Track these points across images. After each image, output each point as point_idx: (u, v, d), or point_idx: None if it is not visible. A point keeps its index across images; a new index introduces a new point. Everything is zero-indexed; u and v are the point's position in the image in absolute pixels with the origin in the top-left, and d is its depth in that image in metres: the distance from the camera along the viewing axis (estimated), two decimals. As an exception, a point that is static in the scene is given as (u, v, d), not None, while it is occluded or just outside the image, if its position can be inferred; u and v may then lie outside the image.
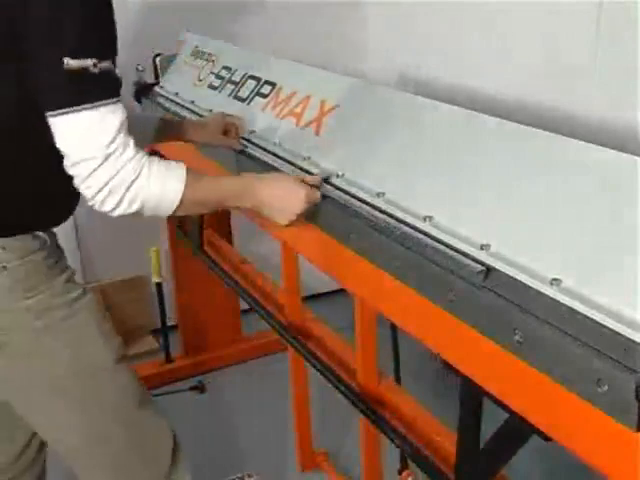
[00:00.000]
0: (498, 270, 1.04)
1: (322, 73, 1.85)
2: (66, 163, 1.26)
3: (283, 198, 1.42)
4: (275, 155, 1.69)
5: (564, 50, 2.19)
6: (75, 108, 1.21)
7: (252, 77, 2.05)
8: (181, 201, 1.34)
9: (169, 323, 2.89)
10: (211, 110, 2.08)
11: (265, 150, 1.74)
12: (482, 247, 1.09)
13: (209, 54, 2.37)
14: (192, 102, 2.23)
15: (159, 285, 2.79)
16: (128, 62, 2.57)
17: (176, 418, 2.65)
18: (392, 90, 1.76)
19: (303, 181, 1.44)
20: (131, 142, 1.27)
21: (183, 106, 2.26)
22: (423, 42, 2.83)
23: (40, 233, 1.41)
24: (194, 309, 2.87)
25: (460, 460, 1.33)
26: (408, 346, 2.12)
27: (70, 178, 1.27)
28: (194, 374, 2.88)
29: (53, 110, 1.22)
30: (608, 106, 2.02)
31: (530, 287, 0.98)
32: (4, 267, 1.36)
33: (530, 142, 1.19)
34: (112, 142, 1.23)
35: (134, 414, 1.53)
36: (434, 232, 1.18)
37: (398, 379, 2.09)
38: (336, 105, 1.65)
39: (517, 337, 0.96)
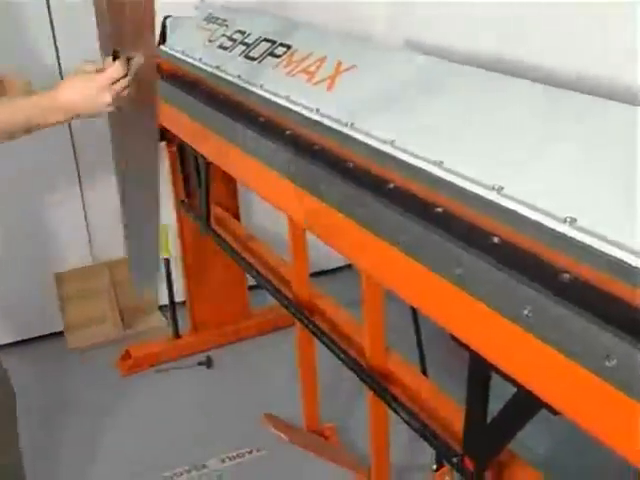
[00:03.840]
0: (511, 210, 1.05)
1: (342, 37, 1.85)
2: None
3: (86, 98, 1.38)
4: (282, 107, 1.70)
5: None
6: None
7: (267, 40, 2.04)
8: None
9: (177, 299, 2.90)
10: (218, 66, 2.08)
11: (271, 102, 1.75)
12: (493, 188, 1.10)
13: (223, 19, 2.35)
14: (199, 59, 2.22)
15: (167, 261, 2.79)
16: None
17: (184, 393, 2.70)
18: (409, 52, 1.77)
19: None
20: None
21: (187, 62, 2.25)
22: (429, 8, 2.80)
23: None
24: (202, 285, 2.87)
25: (467, 434, 1.33)
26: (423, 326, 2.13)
27: None
28: (202, 350, 2.90)
29: None
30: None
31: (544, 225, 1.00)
32: None
33: (533, 94, 1.24)
34: None
35: None
36: (445, 175, 1.19)
37: (424, 370, 2.09)
38: (352, 65, 1.65)
39: (526, 311, 0.95)
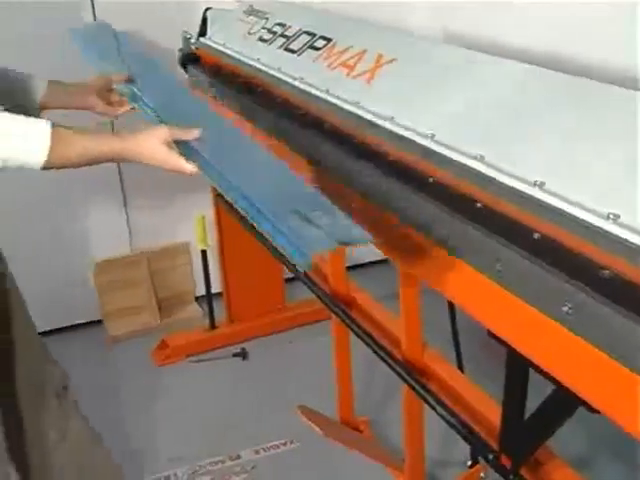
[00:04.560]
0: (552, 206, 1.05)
1: (382, 30, 1.85)
2: None
3: (154, 166, 1.37)
4: (322, 100, 1.71)
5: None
6: None
7: (307, 32, 2.04)
8: (48, 161, 1.28)
9: (214, 290, 2.92)
10: (258, 59, 2.09)
11: (311, 95, 1.76)
12: (535, 184, 1.09)
13: (263, 12, 2.37)
14: (239, 52, 2.24)
15: (204, 252, 2.82)
16: (175, 27, 2.61)
17: (218, 384, 2.72)
18: (449, 45, 1.77)
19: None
20: None
21: (226, 54, 2.27)
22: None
23: None
24: (239, 277, 2.90)
25: (504, 431, 1.33)
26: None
27: None
28: (237, 341, 2.92)
29: None
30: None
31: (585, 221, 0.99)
32: None
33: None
34: None
35: None
36: (486, 170, 1.19)
37: (460, 365, 2.08)
38: (393, 59, 1.65)
39: (566, 308, 0.95)
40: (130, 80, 1.74)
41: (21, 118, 1.29)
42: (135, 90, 1.68)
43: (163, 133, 1.35)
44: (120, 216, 3.01)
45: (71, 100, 1.72)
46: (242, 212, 1.11)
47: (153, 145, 1.34)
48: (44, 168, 1.31)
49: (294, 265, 1.01)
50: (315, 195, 1.18)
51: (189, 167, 1.33)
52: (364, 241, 1.04)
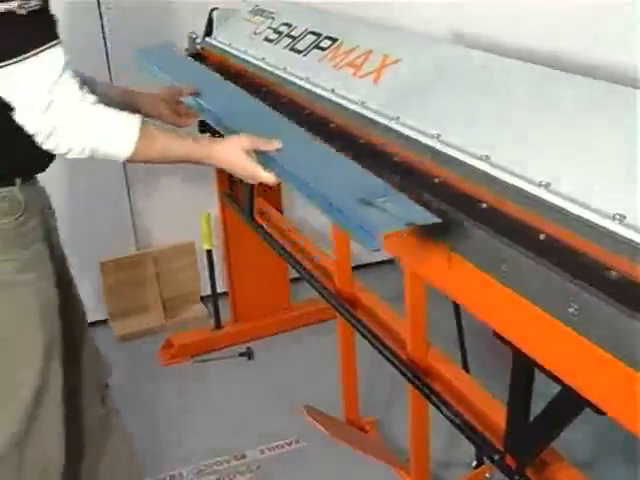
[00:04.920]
0: (558, 206, 1.05)
1: (388, 30, 1.85)
2: (15, 113, 1.27)
3: (234, 173, 1.43)
4: (328, 100, 1.72)
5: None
6: (11, 61, 1.21)
7: (313, 33, 2.05)
8: (133, 156, 1.35)
9: (219, 290, 2.93)
10: (264, 59, 2.09)
11: (316, 95, 1.77)
12: (540, 184, 1.09)
13: (269, 12, 2.37)
14: (245, 52, 2.24)
15: (210, 252, 2.83)
16: (182, 29, 2.62)
17: (224, 383, 2.72)
18: (456, 45, 1.77)
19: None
20: (76, 85, 1.28)
21: (234, 55, 2.28)
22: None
23: (17, 194, 1.41)
24: (244, 276, 2.90)
25: (509, 432, 1.33)
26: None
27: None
28: (243, 341, 2.93)
29: None
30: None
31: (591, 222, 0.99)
32: None
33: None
34: (54, 87, 1.24)
35: (42, 408, 1.51)
36: (491, 170, 1.20)
37: (466, 366, 2.08)
38: (398, 59, 1.65)
39: (572, 309, 0.94)
40: (197, 93, 1.80)
41: (114, 111, 1.34)
42: (201, 102, 1.75)
43: (244, 141, 1.40)
44: (126, 216, 3.02)
45: (142, 108, 1.76)
46: (316, 206, 1.20)
47: (234, 152, 1.39)
48: (128, 161, 1.36)
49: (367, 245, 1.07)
50: (379, 183, 1.23)
51: (267, 175, 1.37)
52: (429, 222, 1.08)
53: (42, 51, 1.23)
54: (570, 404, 1.12)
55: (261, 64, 2.11)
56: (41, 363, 1.49)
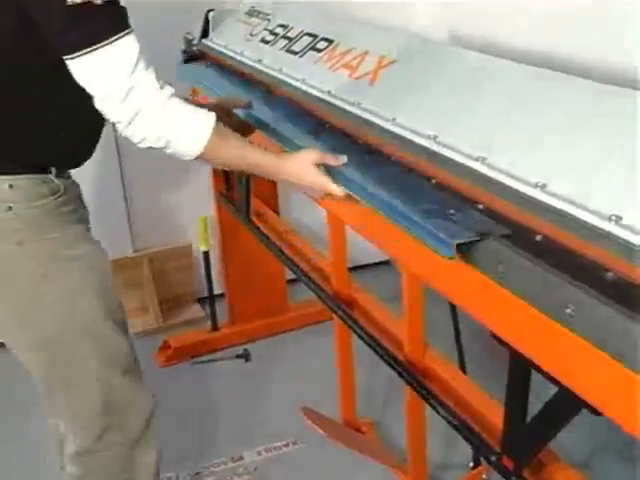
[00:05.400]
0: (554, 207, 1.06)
1: (384, 31, 1.85)
2: (95, 102, 1.29)
3: (302, 188, 1.44)
4: (324, 101, 1.72)
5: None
6: (90, 49, 1.23)
7: (309, 34, 2.05)
8: (203, 152, 1.36)
9: (216, 292, 2.93)
10: (260, 60, 2.10)
11: (312, 96, 1.77)
12: (537, 185, 1.10)
13: (265, 13, 2.37)
14: (241, 53, 2.24)
15: (206, 254, 2.82)
16: (177, 29, 2.61)
17: (221, 385, 2.72)
18: (453, 47, 1.77)
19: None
20: (153, 74, 1.30)
21: (230, 57, 2.28)
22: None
23: (53, 179, 1.43)
24: (241, 278, 2.90)
25: (507, 433, 1.33)
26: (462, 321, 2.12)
27: (74, 123, 1.33)
28: (240, 342, 2.93)
29: (68, 54, 1.24)
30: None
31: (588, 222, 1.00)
32: (10, 207, 1.38)
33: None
34: (132, 74, 1.26)
35: (114, 379, 1.54)
36: (487, 171, 1.20)
37: (463, 367, 2.09)
38: (395, 60, 1.65)
39: (569, 310, 0.94)
40: (249, 106, 1.81)
41: (190, 106, 1.36)
42: (254, 114, 1.77)
43: (314, 155, 1.41)
44: (122, 217, 3.02)
45: None
46: (386, 217, 1.25)
47: (305, 166, 1.41)
48: (197, 158, 1.37)
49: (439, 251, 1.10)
50: (447, 197, 1.25)
51: (337, 189, 1.38)
52: (498, 234, 1.09)
53: (118, 39, 1.25)
54: (567, 405, 1.12)
55: (257, 65, 2.11)
56: (103, 332, 1.50)
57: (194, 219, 2.80)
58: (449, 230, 1.10)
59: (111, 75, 1.26)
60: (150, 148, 1.34)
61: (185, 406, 2.60)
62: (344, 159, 1.42)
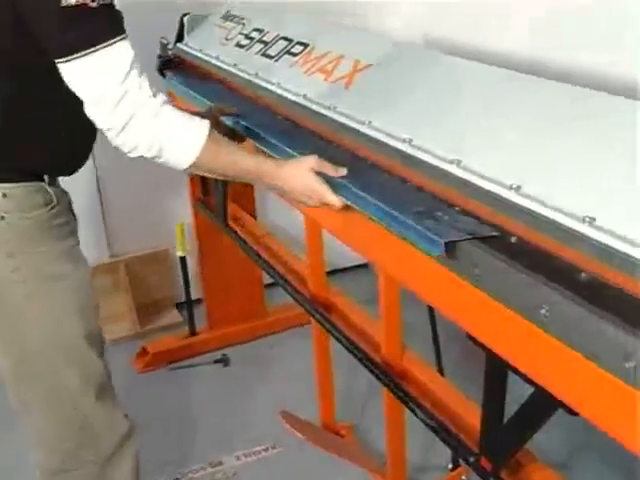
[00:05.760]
0: (529, 209, 1.06)
1: (360, 35, 1.86)
2: (85, 107, 1.27)
3: (300, 195, 1.38)
4: (299, 105, 1.71)
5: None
6: (83, 53, 1.21)
7: (284, 38, 2.04)
8: (197, 161, 1.33)
9: (194, 297, 2.91)
10: (235, 64, 2.09)
11: (288, 100, 1.77)
12: (511, 187, 1.10)
13: (241, 17, 2.36)
14: (216, 57, 2.23)
15: (183, 259, 2.81)
16: (152, 34, 2.60)
17: (200, 391, 2.71)
18: (428, 50, 1.78)
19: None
20: (146, 82, 1.27)
21: (205, 61, 2.27)
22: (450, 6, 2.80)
23: (47, 188, 1.41)
24: (218, 283, 2.88)
25: (484, 434, 1.33)
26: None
27: (74, 123, 1.29)
28: (218, 347, 2.91)
29: (61, 57, 1.22)
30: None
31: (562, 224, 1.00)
32: (2, 217, 1.36)
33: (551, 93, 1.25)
34: (125, 80, 1.23)
35: (90, 400, 1.52)
36: (462, 173, 1.20)
37: (440, 369, 2.09)
38: (370, 64, 1.66)
39: (543, 310, 0.95)
40: (237, 114, 1.77)
41: (184, 113, 1.33)
42: (242, 122, 1.74)
43: (313, 163, 1.37)
44: (98, 222, 2.99)
45: None
46: (377, 221, 1.23)
47: (303, 174, 1.36)
48: (190, 167, 1.33)
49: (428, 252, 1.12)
50: (434, 200, 1.25)
51: (336, 199, 1.33)
52: (486, 234, 1.09)
53: (112, 44, 1.22)
54: (543, 405, 1.13)
55: (233, 70, 2.10)
56: (82, 353, 1.48)
57: (171, 224, 2.78)
58: (440, 230, 1.10)
59: (104, 80, 1.23)
60: (141, 157, 1.31)
61: (164, 412, 2.58)
62: (344, 171, 1.37)
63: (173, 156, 1.32)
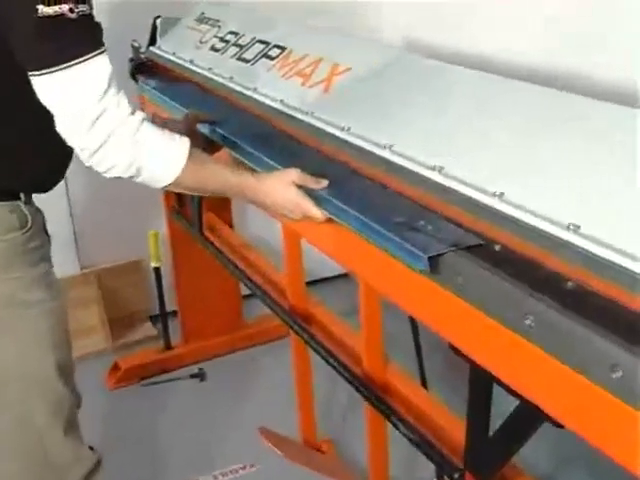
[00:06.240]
0: (512, 217, 1.06)
1: (339, 38, 1.86)
2: (57, 124, 1.23)
3: (282, 208, 1.38)
4: (277, 110, 1.71)
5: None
6: (60, 67, 1.17)
7: (261, 41, 2.04)
8: (177, 179, 1.31)
9: (168, 309, 2.89)
10: (210, 68, 2.08)
11: (265, 106, 1.76)
12: (494, 195, 1.11)
13: (215, 20, 2.36)
14: (190, 61, 2.22)
15: (157, 270, 2.79)
16: (123, 37, 2.59)
17: (175, 407, 2.68)
18: (408, 53, 1.79)
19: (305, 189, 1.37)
20: (124, 99, 1.25)
21: (179, 65, 2.27)
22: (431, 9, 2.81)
23: (22, 207, 1.39)
24: (194, 294, 2.87)
25: (469, 449, 1.33)
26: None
27: (53, 137, 1.24)
28: (194, 361, 2.89)
29: (36, 70, 1.18)
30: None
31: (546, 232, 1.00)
32: None
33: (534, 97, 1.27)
34: (103, 97, 1.20)
35: (56, 434, 1.49)
36: (444, 180, 1.20)
37: (423, 381, 2.09)
38: (349, 68, 1.66)
39: (528, 321, 0.95)
40: (213, 121, 1.76)
41: (164, 131, 1.31)
42: (220, 130, 1.72)
43: (295, 176, 1.36)
44: (67, 233, 2.96)
45: None
46: (358, 233, 1.24)
47: (283, 187, 1.35)
48: (170, 185, 1.32)
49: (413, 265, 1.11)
50: (417, 208, 1.24)
51: (318, 213, 1.33)
52: (471, 244, 1.09)
53: (91, 58, 1.19)
54: (529, 418, 1.13)
55: (207, 74, 2.10)
56: (52, 384, 1.46)
57: (144, 234, 2.76)
58: (423, 243, 1.10)
59: (81, 97, 1.20)
60: (118, 178, 1.28)
61: (137, 430, 2.55)
62: (325, 183, 1.37)
63: (152, 176, 1.30)
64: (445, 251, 1.08)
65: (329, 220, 1.34)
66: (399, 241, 1.12)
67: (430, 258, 1.07)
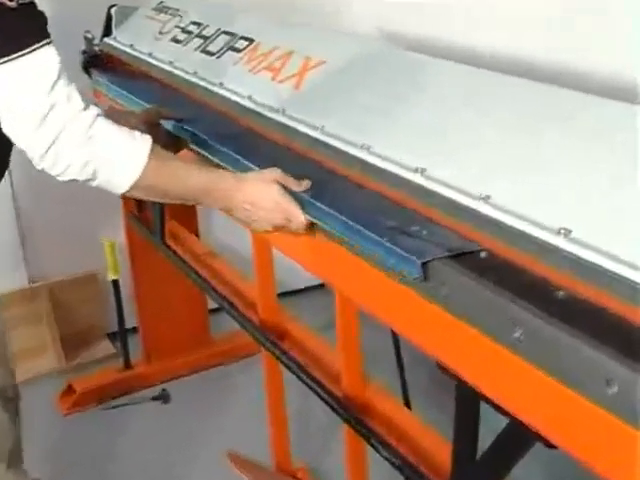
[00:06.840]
0: (498, 221, 1.07)
1: (310, 29, 1.87)
2: (2, 123, 1.22)
3: (261, 209, 1.35)
4: (244, 108, 1.71)
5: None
6: (2, 60, 1.17)
7: (226, 32, 2.04)
8: (139, 180, 1.28)
9: (128, 325, 2.88)
10: (172, 62, 2.08)
11: (232, 102, 1.77)
12: (481, 198, 1.11)
13: (175, 9, 2.36)
14: (149, 54, 2.23)
15: (116, 282, 2.77)
16: (75, 27, 2.58)
17: (137, 433, 2.67)
18: (383, 45, 1.80)
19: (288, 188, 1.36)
20: (75, 93, 1.23)
21: (135, 57, 2.26)
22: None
23: None
24: (156, 309, 2.86)
25: (456, 472, 1.33)
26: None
27: None
28: (157, 382, 2.88)
29: None
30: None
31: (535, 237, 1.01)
32: None
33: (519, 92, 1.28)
34: (52, 91, 1.19)
35: None
36: (426, 183, 1.21)
37: (407, 401, 2.09)
38: (323, 61, 1.66)
39: (517, 334, 0.96)
40: (179, 119, 1.74)
41: (122, 128, 1.28)
42: (187, 127, 1.71)
43: (277, 176, 1.34)
44: (14, 242, 2.94)
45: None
46: (344, 240, 1.24)
47: (267, 186, 1.33)
48: (132, 189, 1.28)
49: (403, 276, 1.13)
50: (408, 212, 1.24)
51: (302, 217, 1.32)
52: (467, 249, 1.10)
53: (36, 50, 1.18)
54: (519, 438, 1.14)
55: (168, 68, 2.10)
56: None
57: (100, 244, 2.74)
58: (418, 249, 1.11)
59: (27, 92, 1.19)
60: (73, 181, 1.26)
61: (94, 459, 2.54)
62: (307, 185, 1.36)
63: (110, 178, 1.28)
64: (441, 256, 1.09)
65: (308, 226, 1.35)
66: (390, 246, 1.13)
67: (423, 264, 1.07)
